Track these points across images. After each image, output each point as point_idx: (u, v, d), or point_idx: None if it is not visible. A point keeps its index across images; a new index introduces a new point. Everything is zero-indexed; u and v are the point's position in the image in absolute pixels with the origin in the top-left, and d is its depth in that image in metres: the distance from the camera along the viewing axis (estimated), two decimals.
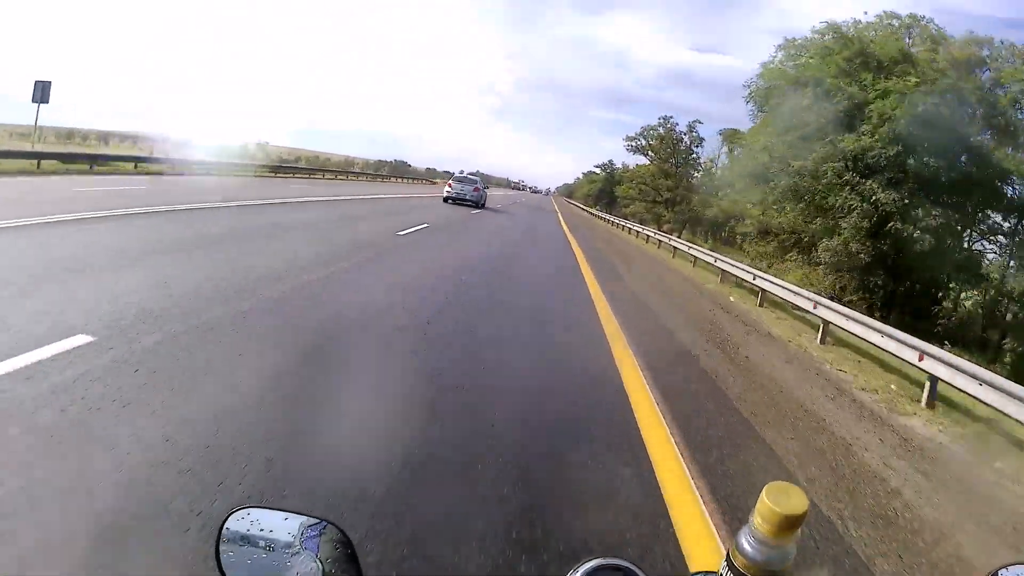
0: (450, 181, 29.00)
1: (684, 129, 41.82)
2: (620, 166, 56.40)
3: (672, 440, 3.45)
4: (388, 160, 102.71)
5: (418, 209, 21.31)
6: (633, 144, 43.59)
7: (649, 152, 43.37)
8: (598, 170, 70.82)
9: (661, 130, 41.93)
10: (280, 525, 0.68)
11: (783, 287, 9.95)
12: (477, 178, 30.33)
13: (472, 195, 27.84)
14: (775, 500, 0.52)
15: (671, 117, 42.38)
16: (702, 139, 41.42)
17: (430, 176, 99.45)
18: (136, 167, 19.81)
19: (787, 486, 0.54)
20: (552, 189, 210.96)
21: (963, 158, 16.99)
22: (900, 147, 15.80)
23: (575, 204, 69.91)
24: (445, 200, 26.74)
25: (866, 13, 19.60)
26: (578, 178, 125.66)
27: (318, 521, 0.69)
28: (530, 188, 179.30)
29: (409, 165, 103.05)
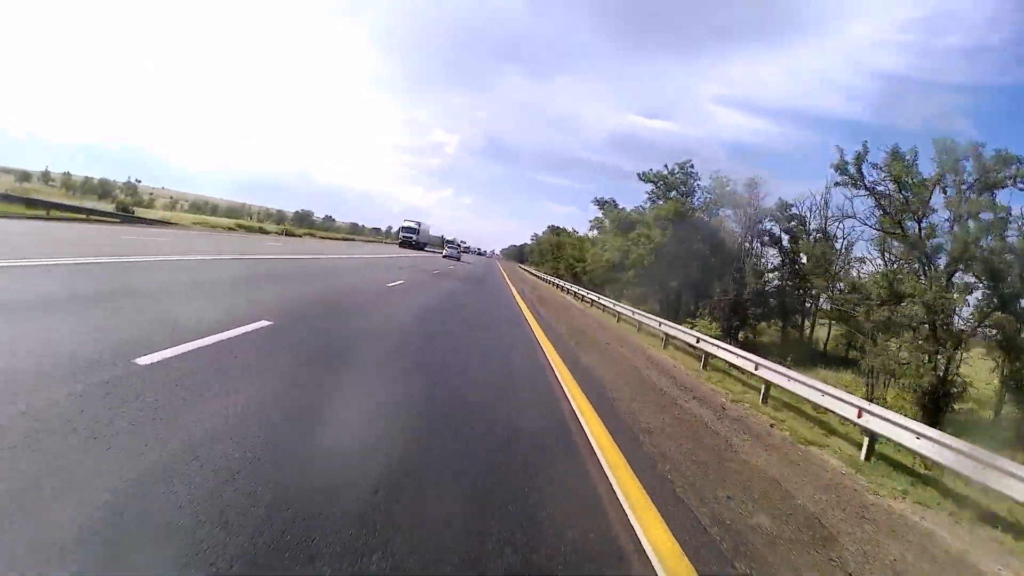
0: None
1: None
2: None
3: None
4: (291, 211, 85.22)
5: None
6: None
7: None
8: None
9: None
10: None
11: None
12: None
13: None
14: None
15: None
16: None
17: (354, 232, 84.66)
18: None
19: None
20: (497, 252, 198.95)
21: None
22: None
23: (535, 275, 56.13)
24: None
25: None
26: (536, 236, 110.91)
27: None
28: (475, 250, 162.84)
29: (314, 215, 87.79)
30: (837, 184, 24.84)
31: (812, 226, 34.25)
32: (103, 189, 71.51)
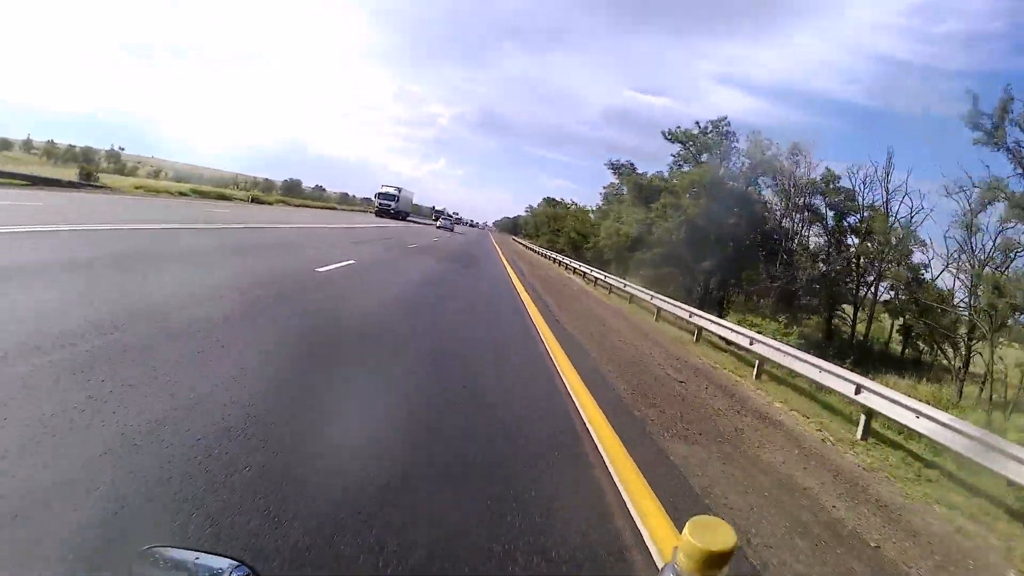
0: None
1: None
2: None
3: None
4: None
5: None
6: None
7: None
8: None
9: None
10: (191, 566, 0.67)
11: None
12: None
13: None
14: (699, 536, 0.46)
15: None
16: None
17: (342, 202, 79.48)
18: None
19: (712, 520, 0.48)
20: (490, 223, 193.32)
21: None
22: None
23: (531, 248, 50.44)
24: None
25: None
26: (531, 208, 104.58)
27: (231, 562, 0.67)
28: (467, 222, 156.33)
29: (303, 185, 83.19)
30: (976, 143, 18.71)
31: (865, 200, 29.17)
32: (85, 157, 66.76)
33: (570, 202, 68.08)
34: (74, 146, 78.87)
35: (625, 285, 16.15)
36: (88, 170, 34.59)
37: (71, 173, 28.63)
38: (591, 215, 50.97)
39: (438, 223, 63.39)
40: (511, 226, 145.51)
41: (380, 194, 54.79)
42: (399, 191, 55.48)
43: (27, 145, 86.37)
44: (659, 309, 12.56)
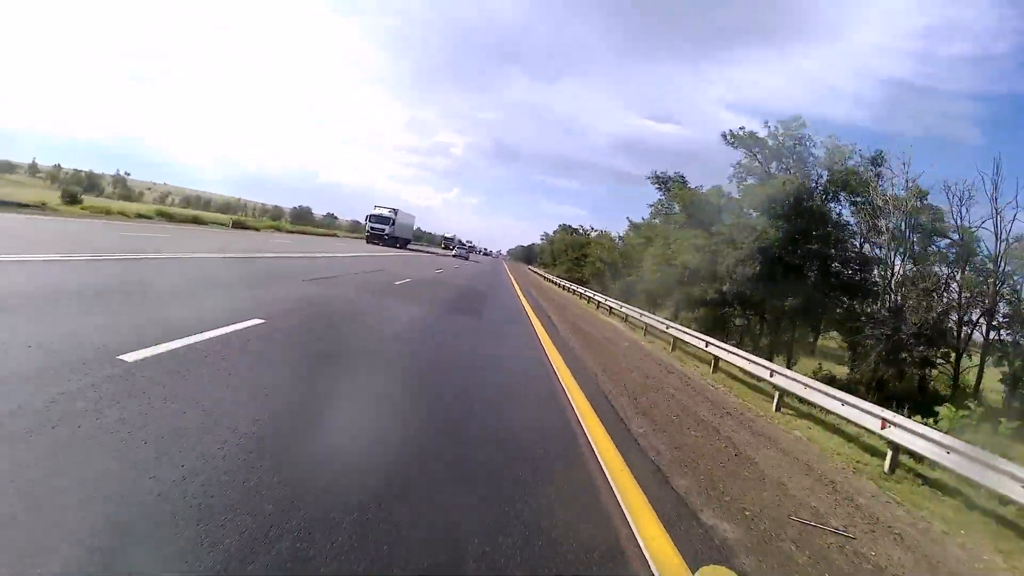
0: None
1: None
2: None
3: None
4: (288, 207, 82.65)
5: None
6: None
7: None
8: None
9: None
10: None
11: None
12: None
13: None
14: None
15: None
16: None
17: (353, 230, 76.33)
18: None
19: (721, 571, 0.60)
20: (503, 252, 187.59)
21: None
22: None
23: (550, 279, 44.47)
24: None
25: None
26: (546, 235, 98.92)
27: None
28: (480, 250, 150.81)
29: (312, 212, 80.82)
30: None
31: (952, 221, 23.68)
32: (89, 182, 67.98)
33: (590, 227, 65.25)
34: (80, 171, 78.28)
35: (707, 344, 10.74)
36: (72, 193, 31.02)
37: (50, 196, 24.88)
38: (611, 241, 46.52)
39: (453, 252, 62.06)
40: (525, 255, 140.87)
41: (372, 216, 47.45)
42: (395, 213, 48.22)
43: (32, 169, 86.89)
44: (814, 405, 7.04)
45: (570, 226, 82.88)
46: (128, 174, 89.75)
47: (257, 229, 36.35)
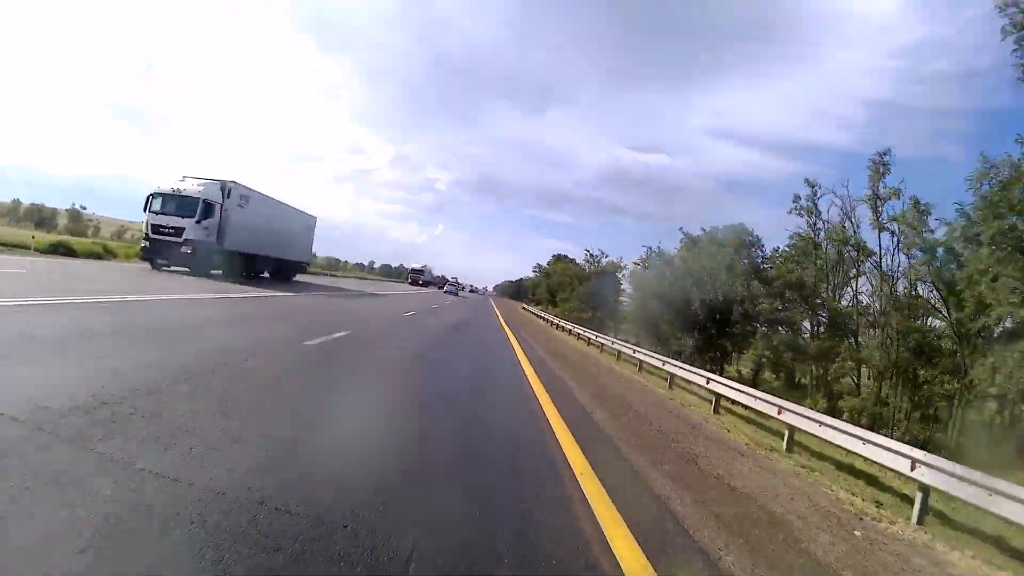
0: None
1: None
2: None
3: None
4: None
5: None
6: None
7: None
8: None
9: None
10: None
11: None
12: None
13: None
14: None
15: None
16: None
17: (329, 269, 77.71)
18: None
19: None
20: (490, 288, 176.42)
21: None
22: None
23: (554, 323, 33.32)
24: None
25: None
26: (538, 267, 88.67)
27: None
28: (468, 287, 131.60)
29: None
30: None
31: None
32: (40, 216, 69.10)
33: (599, 252, 58.94)
34: (37, 204, 79.07)
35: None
36: None
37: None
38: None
39: (444, 288, 71.93)
40: (514, 290, 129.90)
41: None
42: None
43: None
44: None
45: (564, 255, 74.55)
46: (84, 208, 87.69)
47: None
